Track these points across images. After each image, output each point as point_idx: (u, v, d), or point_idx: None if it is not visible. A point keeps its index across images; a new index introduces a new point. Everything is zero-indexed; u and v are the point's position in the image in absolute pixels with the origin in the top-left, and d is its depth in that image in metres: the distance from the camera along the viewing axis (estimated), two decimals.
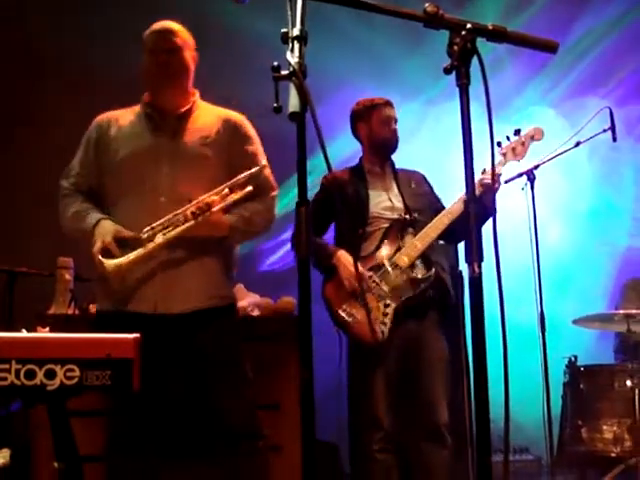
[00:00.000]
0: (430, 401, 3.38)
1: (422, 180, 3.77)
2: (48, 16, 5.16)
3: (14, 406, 2.11)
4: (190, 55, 2.84)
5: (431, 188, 3.76)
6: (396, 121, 3.68)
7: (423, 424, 3.38)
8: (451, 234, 3.53)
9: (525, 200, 4.01)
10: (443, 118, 5.54)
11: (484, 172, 3.48)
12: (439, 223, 3.44)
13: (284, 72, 1.76)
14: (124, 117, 2.90)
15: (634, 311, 4.28)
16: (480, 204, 3.54)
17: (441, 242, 3.72)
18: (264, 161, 2.90)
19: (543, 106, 5.76)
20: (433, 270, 3.42)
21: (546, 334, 3.99)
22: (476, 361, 1.56)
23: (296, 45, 1.79)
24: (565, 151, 4.10)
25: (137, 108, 2.92)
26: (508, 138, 3.61)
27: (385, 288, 3.38)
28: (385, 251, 3.46)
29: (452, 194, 3.55)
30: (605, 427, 4.20)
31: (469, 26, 1.65)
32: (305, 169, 1.72)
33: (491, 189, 3.36)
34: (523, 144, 3.63)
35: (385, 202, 3.58)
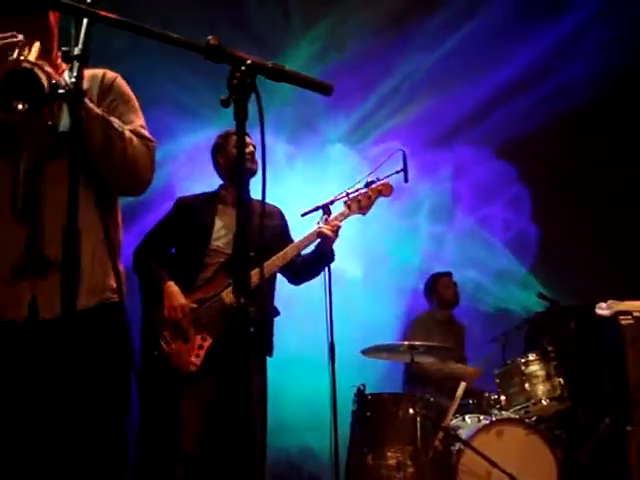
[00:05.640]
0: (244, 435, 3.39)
1: (277, 215, 3.79)
2: None
3: None
4: None
5: (284, 224, 3.79)
6: (254, 147, 3.65)
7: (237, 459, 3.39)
8: (293, 276, 3.73)
9: None
10: None
11: (325, 221, 3.58)
12: (271, 266, 3.51)
13: (60, 91, 1.72)
14: None
15: (417, 343, 4.51)
16: (318, 252, 3.67)
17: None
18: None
19: (344, 145, 6.00)
20: (253, 308, 3.45)
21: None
22: (241, 390, 1.57)
23: (76, 65, 1.75)
24: (359, 189, 4.28)
25: None
26: (357, 189, 3.73)
27: (206, 322, 3.42)
28: (217, 286, 3.48)
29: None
30: (389, 454, 4.28)
31: (249, 62, 1.69)
32: (77, 195, 1.64)
33: (328, 238, 3.49)
34: (369, 198, 3.74)
35: (228, 236, 3.58)
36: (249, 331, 1.49)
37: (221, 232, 3.61)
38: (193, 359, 3.38)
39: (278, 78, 1.73)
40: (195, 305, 3.44)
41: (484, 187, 6.50)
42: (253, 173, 3.60)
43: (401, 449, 4.28)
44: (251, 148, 3.64)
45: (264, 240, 3.55)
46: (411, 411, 4.32)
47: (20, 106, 1.97)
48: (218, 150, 3.81)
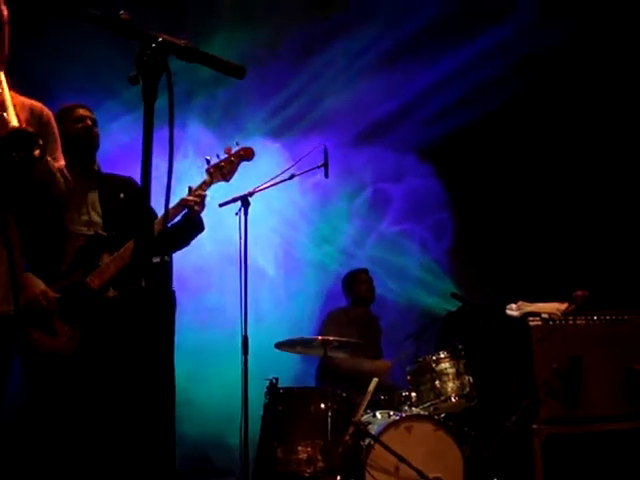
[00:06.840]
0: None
1: (133, 185, 3.60)
2: None
3: None
4: None
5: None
6: (93, 121, 3.52)
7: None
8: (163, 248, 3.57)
9: (237, 225, 4.09)
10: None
11: (189, 190, 3.51)
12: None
13: None
14: None
15: (331, 337, 4.53)
16: (185, 221, 3.59)
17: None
18: None
19: (267, 137, 5.97)
20: (120, 292, 3.31)
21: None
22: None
23: None
24: (280, 182, 4.28)
25: None
26: (218, 156, 3.64)
27: (74, 309, 3.23)
28: (79, 271, 3.31)
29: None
30: (300, 448, 4.28)
31: (160, 39, 1.64)
32: None
33: (192, 208, 3.41)
34: (232, 163, 3.66)
35: (83, 216, 3.42)
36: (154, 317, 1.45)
37: (74, 214, 3.40)
38: (65, 350, 3.19)
39: (190, 58, 1.69)
40: (59, 295, 3.22)
41: (413, 202, 6.55)
42: (95, 147, 3.52)
43: (311, 443, 4.29)
44: (88, 122, 3.49)
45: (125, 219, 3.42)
46: (322, 405, 4.34)
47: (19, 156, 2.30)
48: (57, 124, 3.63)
